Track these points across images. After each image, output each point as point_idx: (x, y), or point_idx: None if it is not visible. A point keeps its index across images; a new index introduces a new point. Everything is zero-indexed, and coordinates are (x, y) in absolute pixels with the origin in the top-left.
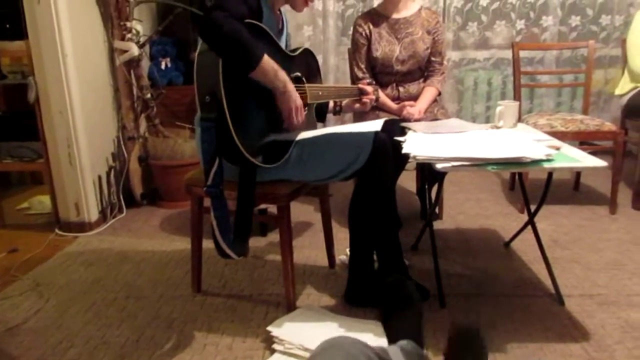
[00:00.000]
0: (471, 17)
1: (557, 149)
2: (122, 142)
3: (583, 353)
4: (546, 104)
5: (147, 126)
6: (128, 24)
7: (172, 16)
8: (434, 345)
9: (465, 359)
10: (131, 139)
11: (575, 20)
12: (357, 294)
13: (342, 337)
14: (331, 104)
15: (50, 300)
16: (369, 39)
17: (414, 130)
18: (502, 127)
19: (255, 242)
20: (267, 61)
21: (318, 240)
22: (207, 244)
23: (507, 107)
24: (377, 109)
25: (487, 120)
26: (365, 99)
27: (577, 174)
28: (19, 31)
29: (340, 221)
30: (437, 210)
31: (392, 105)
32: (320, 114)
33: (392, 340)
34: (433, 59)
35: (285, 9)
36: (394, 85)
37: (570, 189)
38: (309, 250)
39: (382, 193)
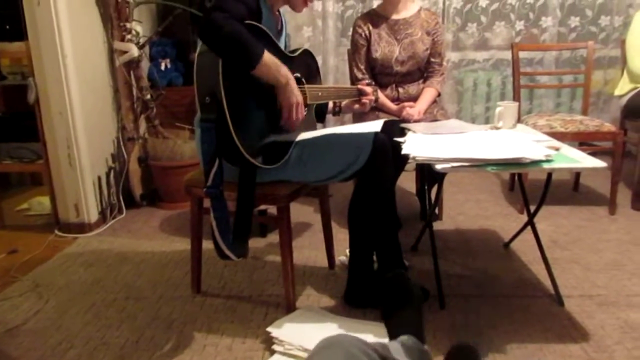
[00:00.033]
0: (470, 18)
1: (557, 149)
2: (121, 143)
3: (582, 354)
4: (545, 104)
5: (147, 127)
6: (128, 25)
7: (171, 17)
8: (434, 345)
9: None
10: (131, 139)
11: (574, 21)
12: (357, 295)
13: (342, 335)
14: (331, 104)
15: (49, 301)
16: (368, 39)
17: (414, 131)
18: (502, 128)
19: (255, 243)
20: (268, 57)
21: (318, 241)
22: (207, 245)
23: (506, 108)
24: (377, 109)
25: (487, 121)
26: (364, 100)
27: (577, 174)
28: (18, 32)
29: (340, 222)
30: (436, 211)
31: (392, 106)
32: (319, 115)
33: (393, 335)
34: (432, 59)
35: (285, 9)
36: (394, 86)
37: (570, 190)
38: (308, 251)
39: (381, 194)
